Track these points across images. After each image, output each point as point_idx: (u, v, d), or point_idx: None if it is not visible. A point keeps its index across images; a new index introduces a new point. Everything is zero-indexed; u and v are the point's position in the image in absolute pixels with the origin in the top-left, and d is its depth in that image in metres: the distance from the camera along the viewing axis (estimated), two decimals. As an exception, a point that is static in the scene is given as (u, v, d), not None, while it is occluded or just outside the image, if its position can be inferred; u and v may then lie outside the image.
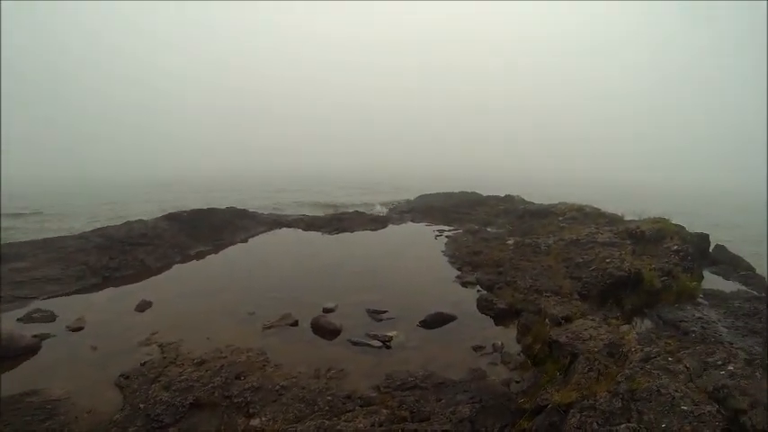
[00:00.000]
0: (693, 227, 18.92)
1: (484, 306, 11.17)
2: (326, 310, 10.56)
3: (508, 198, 33.86)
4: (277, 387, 7.08)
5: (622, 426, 5.13)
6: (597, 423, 5.30)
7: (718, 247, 19.06)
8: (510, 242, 17.30)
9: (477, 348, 8.96)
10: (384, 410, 6.54)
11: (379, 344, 8.93)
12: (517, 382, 7.63)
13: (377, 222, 24.85)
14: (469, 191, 39.55)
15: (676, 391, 5.80)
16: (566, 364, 7.58)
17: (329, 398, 6.82)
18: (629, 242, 15.73)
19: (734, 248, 19.19)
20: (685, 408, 5.39)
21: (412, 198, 40.82)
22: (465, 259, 15.77)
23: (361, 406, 6.66)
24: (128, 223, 18.24)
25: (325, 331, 9.50)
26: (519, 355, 8.77)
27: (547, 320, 9.34)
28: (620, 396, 5.76)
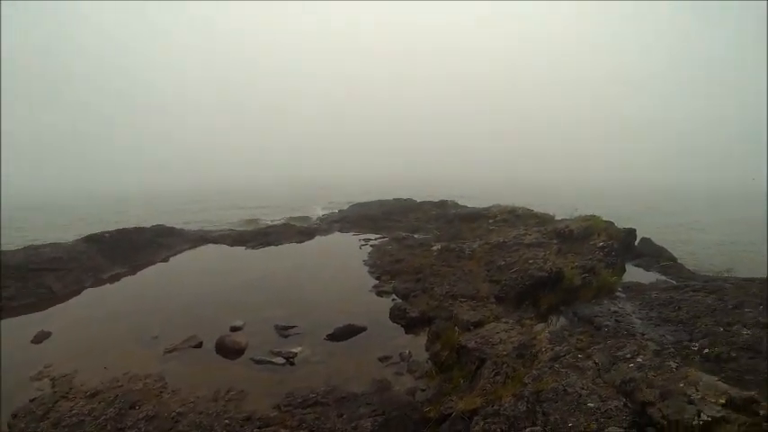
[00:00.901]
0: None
1: (396, 315, 11.09)
2: (234, 329, 10.37)
3: (442, 203, 34.05)
4: (173, 414, 6.81)
5: (527, 430, 5.06)
6: (501, 429, 5.23)
7: (644, 240, 19.75)
8: (435, 248, 17.25)
9: (383, 359, 8.89)
10: (283, 431, 6.39)
11: (283, 361, 8.81)
12: (422, 390, 7.57)
13: (304, 234, 24.57)
14: (405, 197, 39.52)
15: (583, 388, 5.78)
16: (473, 370, 7.53)
17: (227, 421, 6.61)
18: (555, 242, 15.94)
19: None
20: (592, 405, 5.36)
21: (346, 207, 40.50)
22: (386, 268, 15.66)
23: (259, 428, 6.50)
24: (28, 248, 17.03)
25: (228, 351, 9.29)
26: (427, 363, 8.70)
27: (456, 327, 9.28)
28: (526, 399, 5.70)
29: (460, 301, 11.11)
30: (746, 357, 7.14)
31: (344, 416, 6.72)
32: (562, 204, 36.60)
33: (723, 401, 5.10)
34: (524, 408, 5.49)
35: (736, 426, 4.64)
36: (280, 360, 8.84)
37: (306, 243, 22.86)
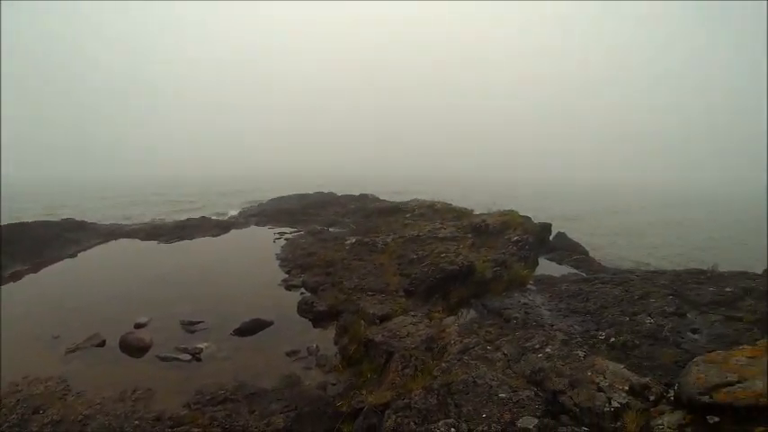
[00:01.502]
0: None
1: (304, 309, 10.83)
2: (138, 326, 9.88)
3: (362, 197, 33.97)
4: (80, 417, 6.40)
5: (440, 422, 4.90)
6: (414, 423, 5.05)
7: (559, 234, 20.28)
8: (348, 242, 16.85)
9: (291, 353, 8.68)
10: (195, 429, 6.12)
11: (189, 357, 8.47)
12: (333, 384, 7.44)
13: (220, 228, 23.77)
14: (326, 191, 39.00)
15: (493, 379, 5.75)
16: (381, 364, 7.44)
17: (137, 422, 6.28)
18: (470, 236, 16.00)
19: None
20: (503, 395, 5.34)
21: (266, 201, 39.58)
22: (297, 262, 15.29)
23: (171, 427, 6.21)
24: None
25: (133, 349, 8.83)
26: (335, 357, 8.56)
27: (362, 321, 9.13)
28: (436, 392, 5.59)
29: (369, 295, 10.98)
30: (647, 345, 7.43)
31: (256, 412, 6.55)
32: (517, 203, 36.99)
33: (627, 388, 5.27)
34: (435, 401, 5.42)
35: (635, 412, 4.78)
36: (186, 356, 8.50)
37: (221, 237, 22.23)
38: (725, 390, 4.47)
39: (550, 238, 19.48)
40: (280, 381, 7.54)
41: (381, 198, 34.32)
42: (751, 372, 4.63)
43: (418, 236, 15.85)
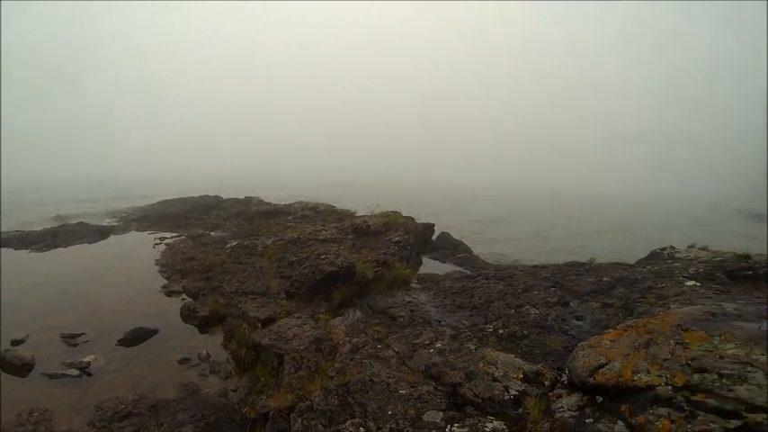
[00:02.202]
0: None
1: (187, 315, 10.43)
2: (15, 342, 9.09)
3: (246, 200, 33.01)
4: None
5: (347, 423, 4.87)
6: (322, 424, 5.04)
7: (442, 234, 20.74)
8: (229, 246, 16.02)
9: (183, 361, 8.43)
10: None
11: (78, 372, 8.00)
12: (233, 390, 7.39)
13: (98, 234, 22.01)
14: (212, 195, 37.53)
15: (390, 376, 5.78)
16: (275, 367, 7.40)
17: None
18: (351, 237, 15.90)
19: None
20: (404, 392, 5.36)
21: (150, 204, 37.43)
22: (176, 267, 14.59)
23: None
24: None
25: (15, 368, 8.16)
26: (228, 362, 8.38)
27: (245, 324, 8.97)
28: (335, 392, 5.56)
29: (250, 298, 10.75)
30: (536, 334, 7.65)
31: (164, 425, 6.36)
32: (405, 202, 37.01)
33: (521, 376, 5.45)
34: (336, 401, 5.39)
35: (534, 398, 4.92)
36: (74, 372, 8.00)
37: (99, 243, 20.51)
38: (600, 371, 4.82)
39: (433, 237, 19.84)
40: (178, 390, 7.33)
41: (266, 201, 33.47)
42: (613, 354, 5.05)
43: (299, 238, 15.43)
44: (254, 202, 32.47)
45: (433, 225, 19.41)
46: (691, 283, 9.16)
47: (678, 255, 12.59)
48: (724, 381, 4.18)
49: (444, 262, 16.52)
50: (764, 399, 3.92)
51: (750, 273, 10.05)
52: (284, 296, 10.77)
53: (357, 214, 21.72)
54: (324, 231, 16.38)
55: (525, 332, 7.65)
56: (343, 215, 21.59)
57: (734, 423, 3.81)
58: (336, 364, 6.48)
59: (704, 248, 12.89)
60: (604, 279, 10.18)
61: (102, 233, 22.36)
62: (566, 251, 26.14)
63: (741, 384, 4.11)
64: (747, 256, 10.87)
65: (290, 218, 22.03)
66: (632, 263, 12.81)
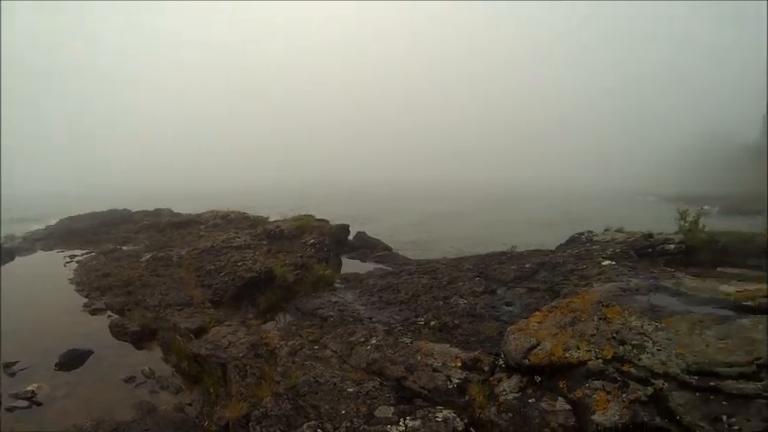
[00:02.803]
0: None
1: (118, 332, 10.09)
2: None
3: (156, 212, 31.82)
4: None
5: (305, 426, 4.88)
6: (280, 430, 5.02)
7: (359, 233, 20.98)
8: (144, 258, 15.51)
9: (129, 380, 8.20)
10: None
11: (26, 403, 7.63)
12: (189, 405, 7.27)
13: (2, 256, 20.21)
14: (120, 208, 35.92)
15: (334, 376, 5.86)
16: (220, 376, 7.30)
17: None
18: (265, 242, 15.86)
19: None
20: (351, 390, 5.43)
21: (54, 222, 35.23)
22: (93, 284, 13.95)
23: None
24: None
25: None
26: (174, 376, 8.21)
27: (177, 336, 8.85)
28: (285, 396, 5.57)
29: (177, 310, 10.51)
30: (468, 322, 7.83)
31: None
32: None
33: (459, 364, 5.62)
34: (289, 405, 5.40)
35: (477, 384, 5.13)
36: (23, 403, 7.60)
37: (5, 266, 18.80)
38: (533, 352, 5.07)
39: (350, 238, 19.97)
40: (134, 410, 7.13)
41: (177, 212, 32.54)
42: (542, 334, 5.32)
43: (213, 246, 15.19)
44: (164, 213, 31.45)
45: (348, 226, 19.42)
46: (608, 262, 9.81)
47: (596, 238, 13.31)
48: (635, 351, 4.60)
49: (365, 261, 16.71)
50: (659, 366, 4.32)
51: (650, 250, 10.97)
52: (210, 305, 10.66)
53: (270, 219, 21.63)
54: (237, 238, 16.22)
55: (457, 322, 7.84)
56: (255, 221, 21.46)
57: (649, 390, 4.17)
58: (279, 368, 6.49)
59: (619, 230, 13.77)
60: (527, 266, 10.63)
61: (7, 254, 20.92)
62: (490, 242, 26.96)
63: (643, 353, 4.54)
64: (650, 235, 11.84)
65: (202, 227, 21.56)
66: (553, 249, 13.42)
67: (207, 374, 7.56)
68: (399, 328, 7.84)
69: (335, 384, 5.61)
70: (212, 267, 12.85)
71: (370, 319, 8.81)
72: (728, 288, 5.98)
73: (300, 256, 13.71)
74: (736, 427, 3.63)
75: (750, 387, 3.89)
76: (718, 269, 10.31)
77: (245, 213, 23.67)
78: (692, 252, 11.04)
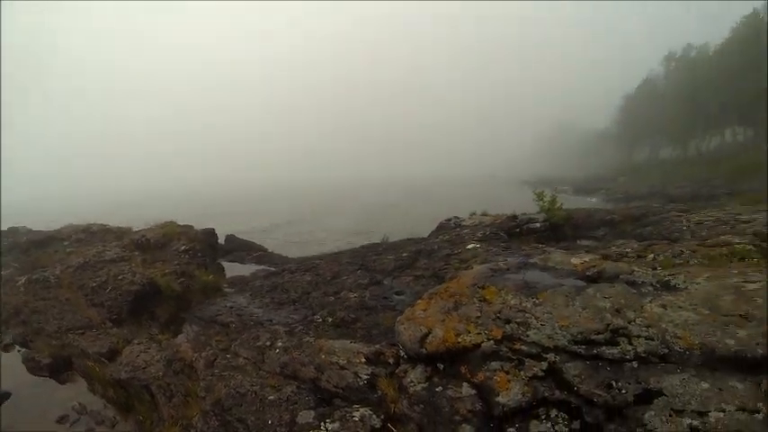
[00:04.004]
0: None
1: (32, 367, 9.23)
2: None
3: (12, 230, 28.62)
4: None
5: None
6: None
7: (229, 237, 20.36)
8: (20, 282, 14.01)
9: (62, 419, 7.56)
10: None
11: None
12: None
13: None
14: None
15: (253, 384, 5.70)
16: (149, 400, 6.98)
17: None
18: (137, 253, 14.89)
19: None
20: (272, 397, 5.32)
21: None
22: None
23: None
24: None
25: None
26: (106, 407, 7.64)
27: (90, 363, 8.34)
28: (212, 412, 5.40)
29: (79, 334, 9.72)
30: (365, 315, 7.92)
31: None
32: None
33: (363, 360, 5.61)
34: (217, 422, 5.25)
35: (385, 378, 5.13)
36: None
37: None
38: (427, 341, 5.07)
39: (221, 241, 19.33)
40: None
41: (35, 230, 29.90)
42: (430, 322, 5.32)
43: (86, 262, 14.01)
44: (20, 231, 28.71)
45: (214, 229, 18.63)
46: (481, 244, 10.29)
47: (464, 223, 14.01)
48: (521, 328, 4.72)
49: (244, 263, 16.33)
50: (547, 340, 4.49)
51: (518, 230, 11.72)
52: (111, 324, 9.92)
53: (134, 230, 20.52)
54: (108, 252, 15.08)
55: (353, 316, 7.90)
56: (120, 233, 19.88)
57: (544, 365, 4.33)
58: (202, 383, 6.25)
59: (485, 214, 14.57)
60: (404, 254, 10.96)
61: None
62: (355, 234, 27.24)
63: (529, 330, 4.67)
64: (515, 217, 12.69)
65: (66, 243, 19.78)
66: (425, 236, 13.86)
67: (136, 399, 7.16)
68: (300, 327, 7.77)
69: (257, 393, 5.48)
70: (95, 284, 11.91)
71: (270, 321, 8.66)
72: (575, 260, 6.41)
73: (177, 264, 13.17)
74: (624, 391, 3.88)
75: (615, 352, 4.19)
76: (579, 242, 11.32)
77: (106, 225, 22.16)
78: (556, 228, 12.03)
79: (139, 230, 18.48)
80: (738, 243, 8.05)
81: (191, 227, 17.36)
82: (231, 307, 9.95)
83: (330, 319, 7.89)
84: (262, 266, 15.15)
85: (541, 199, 13.21)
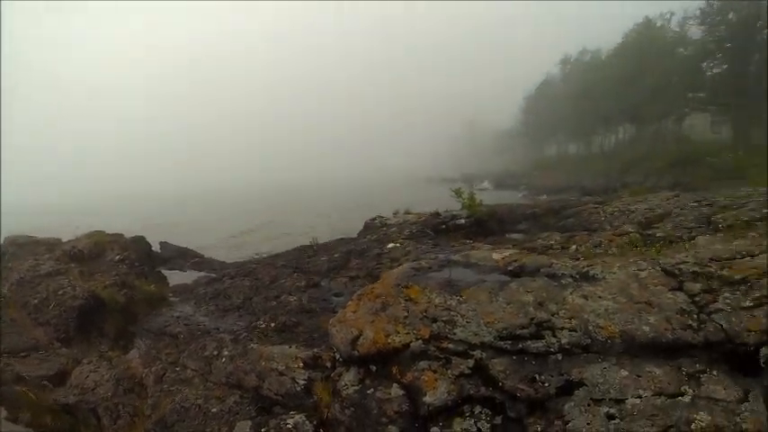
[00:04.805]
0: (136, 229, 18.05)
1: None
2: None
3: None
4: None
5: None
6: None
7: (163, 244, 19.07)
8: None
9: None
10: None
11: None
12: None
13: None
14: None
15: (198, 397, 5.51)
16: (96, 424, 6.52)
17: None
18: (73, 265, 13.75)
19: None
20: (215, 409, 5.19)
21: None
22: None
23: None
24: None
25: None
26: None
27: (23, 388, 7.51)
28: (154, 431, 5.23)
29: (21, 358, 8.91)
30: (307, 318, 7.76)
31: None
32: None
33: (301, 365, 5.48)
34: None
35: (321, 382, 5.04)
36: None
37: None
38: (358, 343, 4.90)
39: (155, 249, 17.97)
40: None
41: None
42: (360, 323, 5.12)
43: (22, 278, 13.07)
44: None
45: (144, 237, 17.17)
46: (411, 242, 10.21)
47: (389, 221, 13.91)
48: (448, 326, 4.62)
49: (184, 270, 15.67)
50: (473, 337, 4.41)
51: (444, 226, 11.71)
52: (60, 344, 9.24)
53: (63, 240, 19.17)
54: (42, 265, 14.14)
55: (295, 320, 7.73)
56: (51, 245, 18.48)
57: (470, 362, 4.27)
58: (149, 400, 5.99)
59: (408, 212, 14.49)
60: (336, 255, 10.84)
61: None
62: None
63: (456, 328, 4.57)
64: (438, 214, 12.69)
65: (-7, 258, 18.56)
66: (354, 236, 13.70)
67: (83, 425, 6.66)
68: (244, 334, 7.54)
69: (200, 406, 5.32)
70: (36, 301, 11.09)
71: (217, 329, 8.36)
72: (497, 255, 6.33)
73: (116, 275, 12.35)
74: (546, 384, 3.88)
75: (539, 345, 4.17)
76: (507, 235, 11.44)
77: (33, 237, 20.65)
78: (481, 223, 12.08)
79: (69, 241, 17.33)
80: (632, 232, 8.42)
81: (120, 235, 16.18)
82: (178, 317, 9.55)
83: (273, 325, 7.69)
84: (202, 273, 14.62)
85: (460, 196, 13.23)
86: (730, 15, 45.10)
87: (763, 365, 3.77)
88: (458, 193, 13.41)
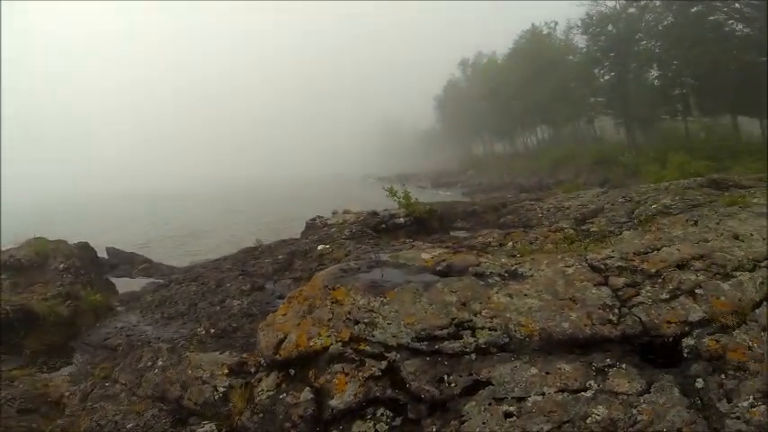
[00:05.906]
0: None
1: None
2: None
3: None
4: None
5: None
6: None
7: (109, 250, 18.03)
8: None
9: None
10: None
11: None
12: None
13: None
14: None
15: (117, 413, 5.13)
16: None
17: None
18: (5, 276, 12.28)
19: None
20: (131, 425, 4.85)
21: None
22: None
23: None
24: None
25: None
26: None
27: None
28: None
29: None
30: (247, 323, 7.44)
31: None
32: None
33: (227, 371, 5.20)
34: None
35: (239, 389, 4.72)
36: None
37: None
38: (282, 346, 4.70)
39: (101, 255, 16.50)
40: None
41: None
42: (287, 327, 4.92)
43: None
44: None
45: (87, 243, 15.42)
46: (350, 241, 9.99)
47: (329, 221, 13.55)
48: (368, 329, 4.41)
49: (132, 277, 14.97)
50: (391, 339, 4.23)
51: (384, 225, 11.55)
52: None
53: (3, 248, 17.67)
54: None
55: (235, 325, 7.47)
56: None
57: (383, 364, 4.09)
58: (60, 421, 5.46)
59: (347, 212, 14.19)
60: (280, 257, 10.56)
61: None
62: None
63: (376, 330, 4.38)
64: (376, 213, 12.52)
65: None
66: (297, 237, 13.34)
67: None
68: (182, 342, 7.19)
69: (117, 423, 4.96)
70: None
71: (158, 338, 7.95)
72: (426, 255, 6.08)
73: (61, 285, 11.21)
74: (453, 384, 3.72)
75: (456, 346, 4.01)
76: (451, 233, 11.33)
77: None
78: (422, 222, 11.93)
79: (6, 249, 15.80)
80: (567, 228, 8.39)
81: (64, 242, 14.58)
82: (122, 327, 9.03)
83: (213, 331, 7.37)
84: (150, 279, 14.07)
85: (394, 195, 12.95)
86: (609, 27, 46.20)
87: (686, 356, 3.71)
88: (392, 192, 13.11)
